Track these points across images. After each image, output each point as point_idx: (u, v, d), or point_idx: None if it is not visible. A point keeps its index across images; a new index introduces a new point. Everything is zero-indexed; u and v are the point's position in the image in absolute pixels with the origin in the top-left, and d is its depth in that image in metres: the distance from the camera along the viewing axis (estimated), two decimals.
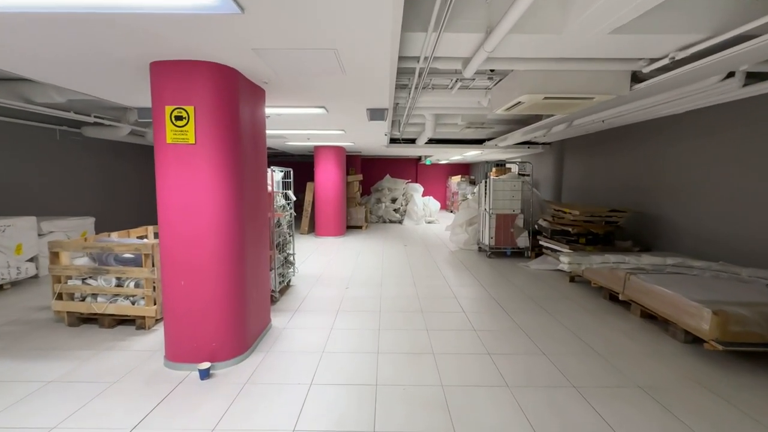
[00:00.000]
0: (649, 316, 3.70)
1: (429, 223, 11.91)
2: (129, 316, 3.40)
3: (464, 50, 2.91)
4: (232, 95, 2.72)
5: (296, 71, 2.83)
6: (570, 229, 5.44)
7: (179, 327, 2.73)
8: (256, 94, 3.13)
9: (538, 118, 6.07)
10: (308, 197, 9.29)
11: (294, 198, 4.81)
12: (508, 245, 6.58)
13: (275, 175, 4.32)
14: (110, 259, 3.53)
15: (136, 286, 3.40)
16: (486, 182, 6.91)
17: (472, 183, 14.94)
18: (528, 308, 4.12)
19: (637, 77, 3.51)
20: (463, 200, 9.50)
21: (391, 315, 3.86)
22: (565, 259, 4.89)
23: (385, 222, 12.07)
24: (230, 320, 2.80)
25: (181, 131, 2.59)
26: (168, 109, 2.57)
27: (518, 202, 6.59)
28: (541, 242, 6.20)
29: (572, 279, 5.06)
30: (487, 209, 6.69)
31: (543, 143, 9.05)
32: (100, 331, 3.38)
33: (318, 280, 5.19)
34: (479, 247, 7.20)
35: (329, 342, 3.22)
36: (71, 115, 4.95)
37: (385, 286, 4.95)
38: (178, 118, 2.57)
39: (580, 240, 5.47)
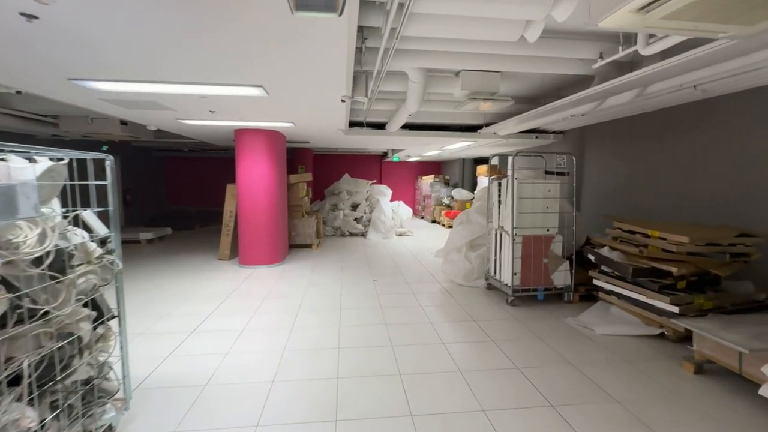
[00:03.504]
0: None
1: (400, 235, 9.36)
2: None
3: None
4: None
5: None
6: (671, 269, 3.10)
7: None
8: None
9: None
10: (229, 206, 6.34)
11: (103, 230, 1.98)
12: (540, 283, 4.17)
13: (21, 171, 1.49)
14: None
15: None
16: (502, 185, 4.44)
17: (447, 184, 12.64)
18: None
19: None
20: (451, 206, 7.02)
21: None
22: (698, 332, 2.52)
23: (344, 235, 9.34)
24: None
25: None
26: None
27: (555, 218, 4.19)
28: (598, 282, 3.84)
29: (699, 369, 2.70)
30: (507, 229, 4.23)
31: (555, 132, 6.81)
32: None
33: (196, 400, 2.39)
34: (488, 284, 4.73)
35: None
36: None
37: (346, 402, 2.28)
38: None
39: (679, 284, 3.16)
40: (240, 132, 5.69)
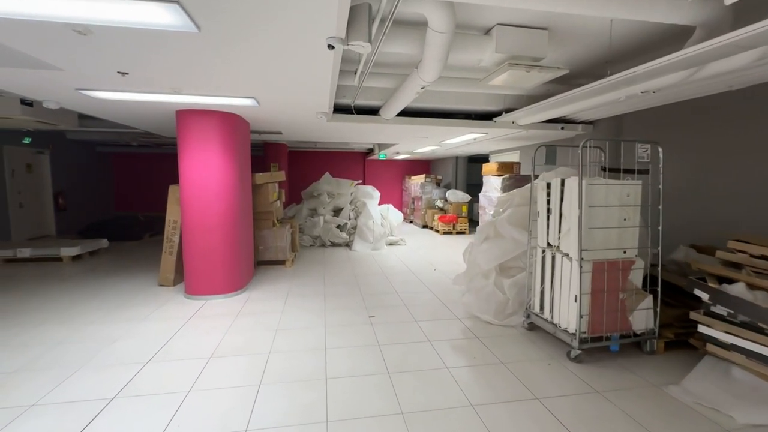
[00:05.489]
0: None
1: (391, 245, 7.99)
2: None
3: None
4: None
5: None
6: None
7: None
8: None
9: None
10: (171, 215, 4.76)
11: None
12: (615, 329, 2.90)
13: None
14: None
15: None
16: (554, 187, 3.13)
17: (438, 184, 11.38)
18: None
19: None
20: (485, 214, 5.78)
21: None
22: None
23: (324, 246, 7.87)
24: None
25: None
26: None
27: (634, 234, 2.93)
28: (708, 331, 2.60)
29: None
30: (567, 250, 2.94)
31: (583, 122, 5.63)
32: None
33: None
34: (530, 323, 3.43)
35: None
36: None
37: None
38: None
39: None
40: (183, 114, 4.15)
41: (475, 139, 6.70)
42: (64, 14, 1.76)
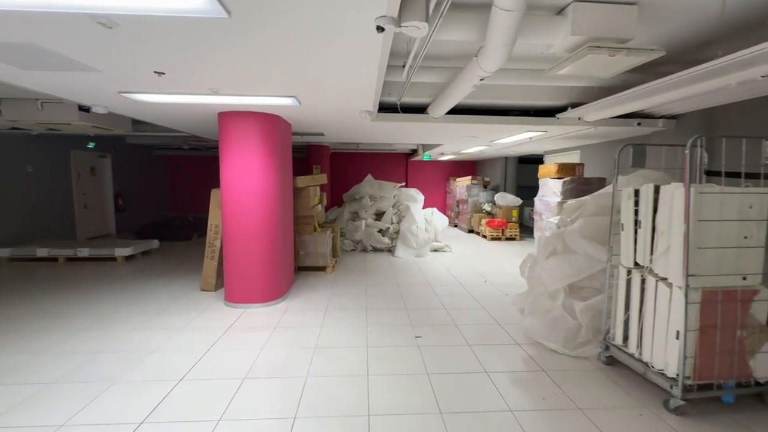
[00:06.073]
0: None
1: (436, 251, 7.54)
2: None
3: None
4: None
5: None
6: None
7: None
8: None
9: None
10: (213, 218, 4.69)
11: None
12: (730, 375, 2.29)
13: None
14: None
15: None
16: (644, 195, 2.56)
17: (486, 187, 10.73)
18: None
19: None
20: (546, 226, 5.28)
21: None
22: None
23: (366, 251, 7.59)
24: None
25: None
26: None
27: (759, 257, 2.30)
28: None
29: None
30: (666, 274, 2.37)
31: (665, 116, 4.86)
32: None
33: None
34: (608, 356, 2.86)
35: None
36: None
37: None
38: None
39: None
40: (224, 116, 4.02)
41: (531, 138, 6.09)
42: (83, 2, 1.56)
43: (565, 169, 5.88)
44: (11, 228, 6.81)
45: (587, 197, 3.45)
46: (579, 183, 5.71)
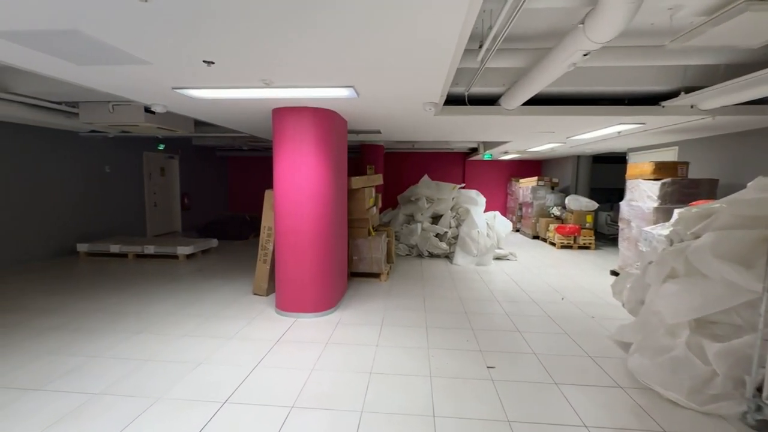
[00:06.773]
0: None
1: (499, 259, 6.86)
2: None
3: None
4: None
5: None
6: None
7: None
8: None
9: None
10: (266, 221, 4.50)
11: None
12: None
13: None
14: None
15: None
16: None
17: (554, 188, 9.72)
18: None
19: None
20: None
21: None
22: None
23: (421, 256, 7.11)
24: None
25: None
26: None
27: None
28: None
29: None
30: None
31: None
32: None
33: None
34: (759, 420, 2.11)
35: None
36: None
37: None
38: None
39: None
40: (278, 112, 3.78)
41: (619, 132, 5.22)
42: None
43: (663, 169, 4.93)
44: (91, 224, 7.31)
45: (719, 203, 2.67)
46: (683, 185, 4.75)
